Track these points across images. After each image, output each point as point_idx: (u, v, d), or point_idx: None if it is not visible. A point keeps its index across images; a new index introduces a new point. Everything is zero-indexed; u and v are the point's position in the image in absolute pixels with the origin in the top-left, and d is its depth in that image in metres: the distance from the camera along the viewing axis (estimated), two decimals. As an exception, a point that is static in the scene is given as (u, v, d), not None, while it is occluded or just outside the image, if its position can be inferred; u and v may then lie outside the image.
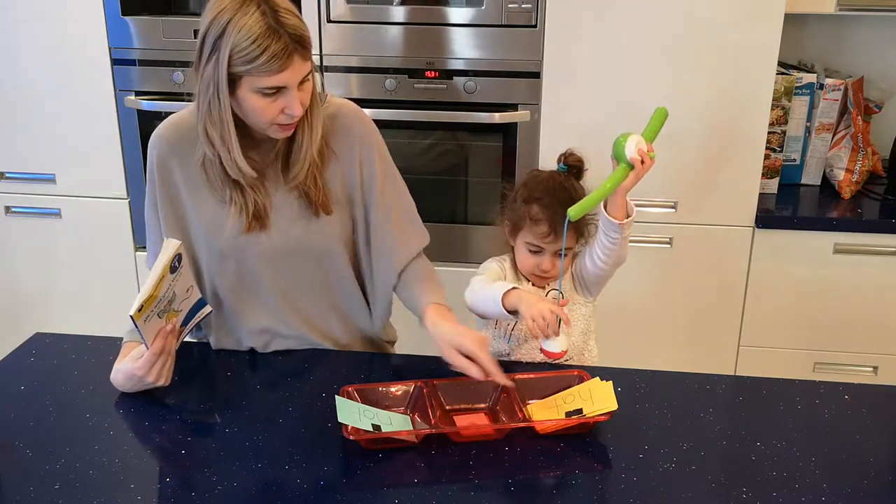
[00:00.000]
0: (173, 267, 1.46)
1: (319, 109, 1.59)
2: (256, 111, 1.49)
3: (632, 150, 1.49)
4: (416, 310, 1.66)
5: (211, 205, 1.61)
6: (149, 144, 1.64)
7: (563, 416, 1.41)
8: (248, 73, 1.45)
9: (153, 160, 1.63)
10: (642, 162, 1.49)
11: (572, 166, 1.68)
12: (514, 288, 1.59)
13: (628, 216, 1.58)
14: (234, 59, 1.44)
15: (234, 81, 1.47)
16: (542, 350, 1.53)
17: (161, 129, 1.64)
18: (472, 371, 1.44)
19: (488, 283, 1.65)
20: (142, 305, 1.40)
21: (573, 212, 1.45)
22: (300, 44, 1.45)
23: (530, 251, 1.68)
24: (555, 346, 1.51)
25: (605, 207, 1.57)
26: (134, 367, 1.48)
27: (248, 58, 1.43)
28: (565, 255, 1.66)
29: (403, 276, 1.70)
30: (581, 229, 1.67)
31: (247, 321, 1.68)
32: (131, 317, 1.40)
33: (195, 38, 1.49)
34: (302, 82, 1.49)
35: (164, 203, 1.64)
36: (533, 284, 1.71)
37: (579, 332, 1.72)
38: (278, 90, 1.47)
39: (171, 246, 1.47)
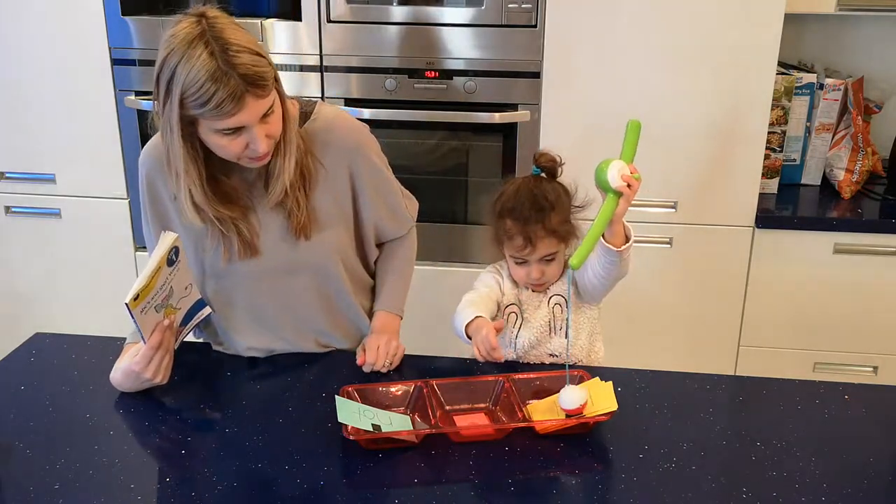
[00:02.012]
0: (170, 260, 1.45)
1: (294, 134, 1.52)
2: (220, 149, 1.46)
3: (615, 178, 1.43)
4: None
5: (199, 227, 1.57)
6: (139, 160, 1.62)
7: (563, 417, 1.41)
8: (202, 115, 1.39)
9: (142, 177, 1.61)
10: (629, 186, 1.44)
11: (545, 167, 1.66)
12: (477, 317, 1.60)
13: (627, 239, 1.54)
14: (185, 103, 1.38)
15: (192, 122, 1.43)
16: (562, 409, 1.43)
17: (149, 146, 1.61)
18: (359, 357, 1.63)
19: (468, 307, 1.65)
20: (137, 294, 1.39)
21: (574, 261, 1.39)
22: (252, 83, 1.37)
23: (516, 263, 1.67)
24: (569, 402, 1.41)
25: (603, 236, 1.52)
26: (132, 362, 1.48)
27: (198, 103, 1.37)
28: (553, 259, 1.65)
29: (382, 250, 1.80)
30: (565, 233, 1.64)
31: (244, 339, 1.66)
32: (126, 305, 1.38)
33: None
34: (265, 115, 1.43)
35: (153, 220, 1.63)
36: (533, 290, 1.70)
37: (586, 335, 1.72)
38: (238, 129, 1.42)
39: (168, 238, 1.45)
